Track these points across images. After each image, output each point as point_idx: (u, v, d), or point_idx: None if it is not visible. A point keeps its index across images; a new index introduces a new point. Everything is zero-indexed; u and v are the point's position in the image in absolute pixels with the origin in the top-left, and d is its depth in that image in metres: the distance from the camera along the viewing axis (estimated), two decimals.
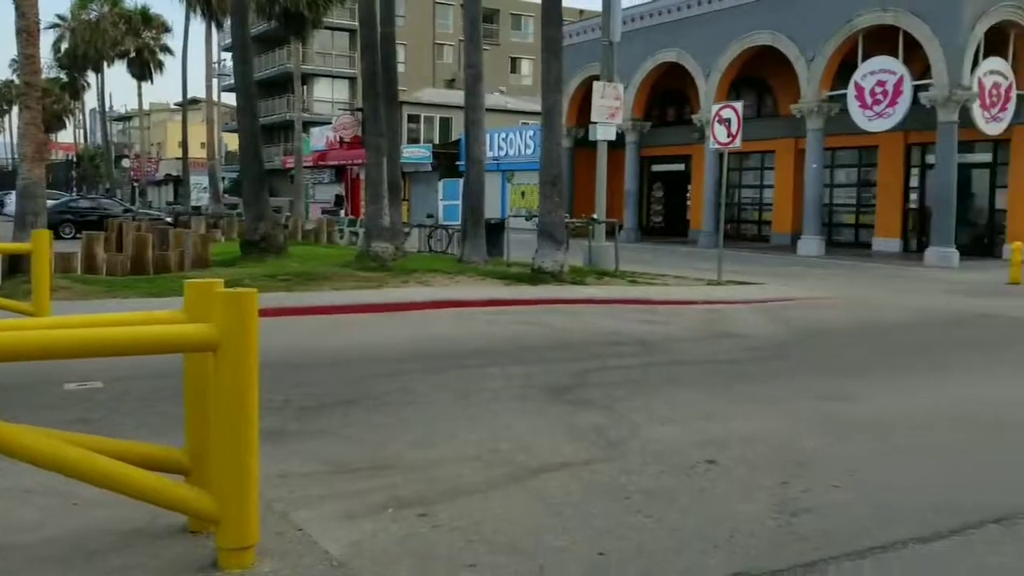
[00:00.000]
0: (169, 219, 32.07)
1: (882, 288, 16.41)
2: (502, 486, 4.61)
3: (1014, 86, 22.56)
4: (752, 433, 5.77)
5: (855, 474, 4.95)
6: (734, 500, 4.49)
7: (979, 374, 8.09)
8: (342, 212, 42.27)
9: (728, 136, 15.80)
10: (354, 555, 3.70)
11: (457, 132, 44.30)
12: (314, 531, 3.94)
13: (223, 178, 53.02)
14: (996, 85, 22.20)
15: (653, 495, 4.54)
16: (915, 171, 26.13)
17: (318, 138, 50.80)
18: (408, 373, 7.49)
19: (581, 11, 58.02)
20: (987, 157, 24.61)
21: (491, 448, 5.28)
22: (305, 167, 46.15)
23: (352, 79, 58.56)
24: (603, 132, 17.85)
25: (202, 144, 50.21)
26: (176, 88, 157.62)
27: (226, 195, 49.83)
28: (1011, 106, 22.54)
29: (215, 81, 48.60)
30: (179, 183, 58.57)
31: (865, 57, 23.60)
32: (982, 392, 7.27)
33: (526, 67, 65.30)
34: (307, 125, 52.63)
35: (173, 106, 78.53)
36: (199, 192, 56.31)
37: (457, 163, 38.08)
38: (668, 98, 33.12)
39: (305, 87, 56.86)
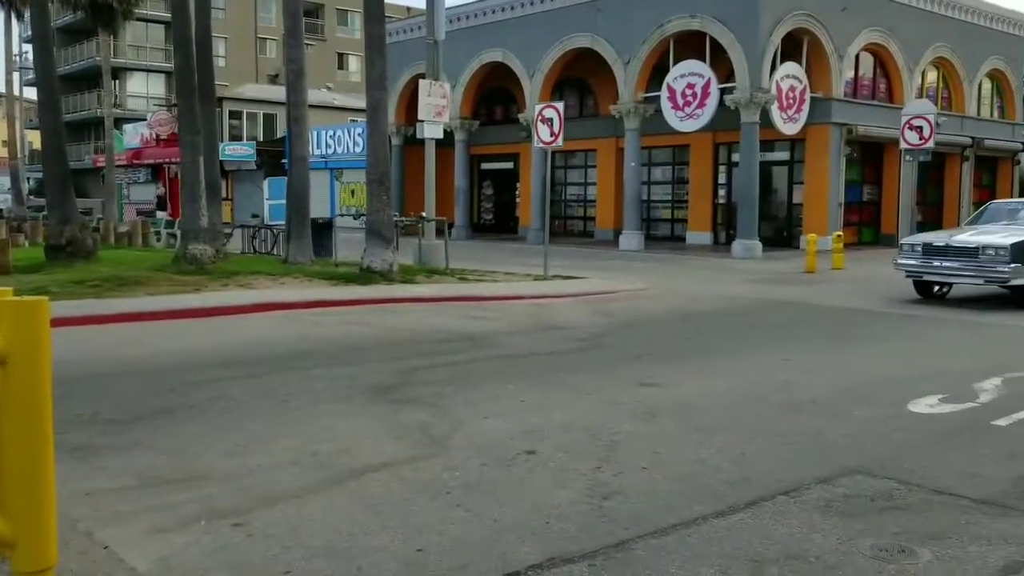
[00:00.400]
0: None
1: (694, 279, 17.38)
2: (321, 490, 4.58)
3: (808, 89, 24.44)
4: (570, 421, 6.00)
5: (661, 455, 5.25)
6: (551, 487, 4.66)
7: (775, 356, 8.73)
8: (163, 213, 40.24)
9: (551, 135, 16.24)
10: (162, 570, 3.58)
11: (282, 129, 43.07)
12: (121, 548, 3.78)
13: (28, 179, 49.24)
14: (792, 88, 23.97)
15: (473, 488, 4.64)
16: (723, 169, 27.84)
17: (132, 135, 48.06)
18: (226, 380, 7.26)
19: (408, 8, 57.82)
20: (785, 155, 26.56)
21: (311, 452, 5.23)
22: (119, 166, 43.58)
23: (169, 73, 55.71)
24: (430, 130, 17.90)
25: (3, 142, 46.41)
26: None
27: (31, 197, 46.28)
28: (806, 107, 24.40)
29: (16, 75, 44.94)
30: None
31: (676, 61, 24.87)
32: (777, 373, 7.87)
33: (354, 63, 64.40)
34: (121, 122, 49.71)
35: None
36: (1, 194, 52.00)
37: (283, 161, 37.08)
38: (496, 97, 33.62)
39: (117, 82, 53.66)
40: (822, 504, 4.46)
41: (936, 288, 14.02)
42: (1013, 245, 12.32)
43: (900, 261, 13.64)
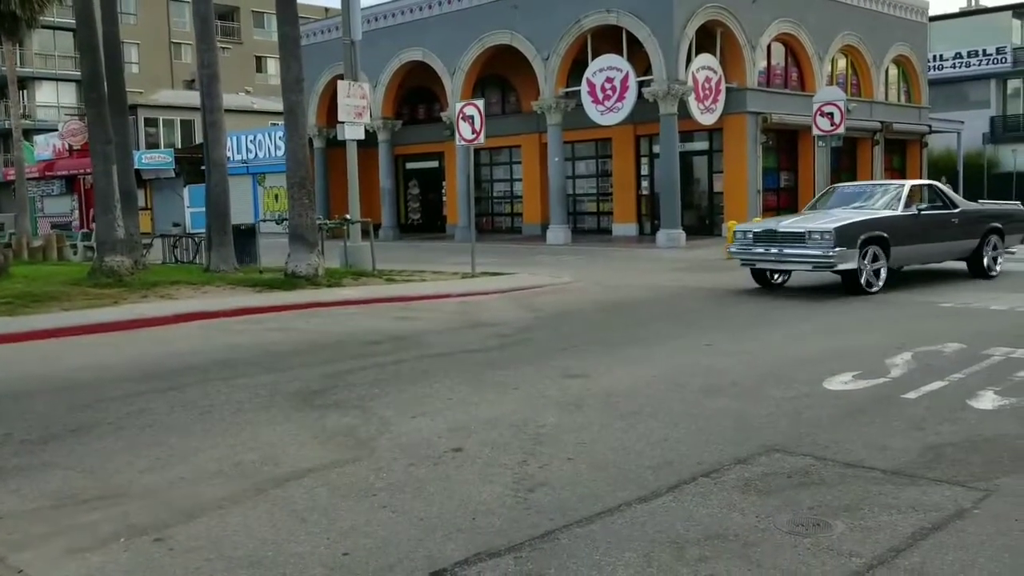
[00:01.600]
0: None
1: (620, 270, 17.61)
2: (244, 500, 4.52)
3: (723, 80, 24.95)
4: (497, 417, 6.03)
5: (586, 445, 5.32)
6: (478, 483, 4.69)
7: (697, 342, 8.91)
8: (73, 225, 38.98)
9: (473, 133, 16.25)
10: None
11: (201, 135, 42.27)
12: (36, 572, 3.69)
13: None
14: (708, 79, 24.44)
15: (400, 489, 4.64)
16: (645, 160, 28.23)
17: (44, 146, 46.42)
18: (145, 394, 7.09)
19: (327, 9, 57.13)
20: (704, 145, 27.07)
21: (234, 462, 5.15)
22: (31, 178, 42.05)
23: (80, 82, 54.03)
24: (351, 132, 17.73)
25: None
26: None
27: None
28: (721, 98, 24.91)
29: None
30: None
31: (595, 55, 25.13)
32: (699, 358, 8.03)
33: (272, 66, 63.29)
34: (31, 133, 48.01)
35: None
36: None
37: (203, 167, 36.32)
38: (418, 96, 33.47)
39: (25, 91, 51.76)
40: (741, 483, 4.59)
41: (776, 276, 13.51)
42: (837, 229, 11.81)
43: (733, 250, 13.01)
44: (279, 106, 17.87)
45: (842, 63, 30.43)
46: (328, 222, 19.24)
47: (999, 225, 14.22)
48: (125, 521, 4.25)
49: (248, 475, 4.92)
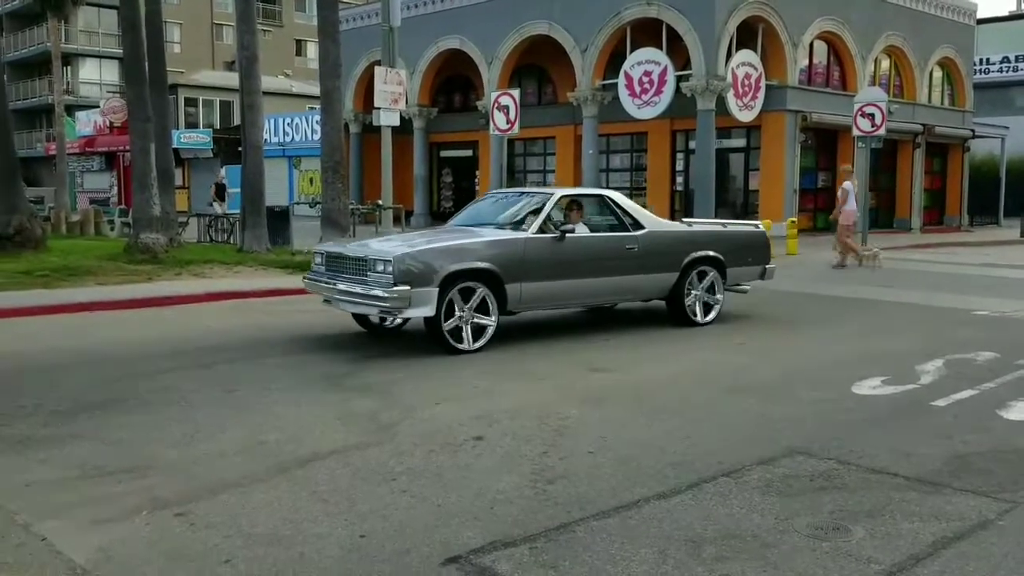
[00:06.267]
0: None
1: None
2: (267, 478, 4.57)
3: (763, 77, 24.67)
4: (520, 407, 6.04)
5: (608, 439, 5.31)
6: (497, 472, 4.69)
7: (728, 341, 8.83)
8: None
9: (507, 123, 16.25)
10: (101, 561, 3.56)
11: (239, 116, 42.61)
12: (59, 540, 3.75)
13: None
14: (747, 75, 24.18)
15: (420, 474, 4.66)
16: (680, 156, 28.01)
17: (85, 123, 47.09)
18: (174, 370, 7.19)
19: None
20: (741, 142, 26.80)
21: (258, 441, 5.21)
22: (72, 154, 42.71)
23: (122, 60, 54.77)
24: (386, 118, 17.74)
25: None
26: None
27: None
28: (761, 95, 24.64)
29: None
30: None
31: (633, 48, 24.96)
32: (729, 357, 7.98)
33: (312, 50, 63.55)
34: (73, 109, 48.70)
35: None
36: None
37: (240, 148, 36.65)
38: (455, 85, 33.46)
39: (69, 68, 52.53)
40: (762, 484, 4.55)
41: (387, 320, 9.14)
42: (399, 259, 7.80)
43: (307, 277, 9.09)
44: (317, 90, 17.96)
45: (885, 63, 29.97)
46: (360, 207, 19.37)
47: (715, 255, 9.90)
48: (149, 494, 4.31)
49: (271, 454, 4.97)
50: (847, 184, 17.20)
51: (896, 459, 4.98)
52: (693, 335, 9.26)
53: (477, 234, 8.77)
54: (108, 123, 44.98)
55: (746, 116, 24.43)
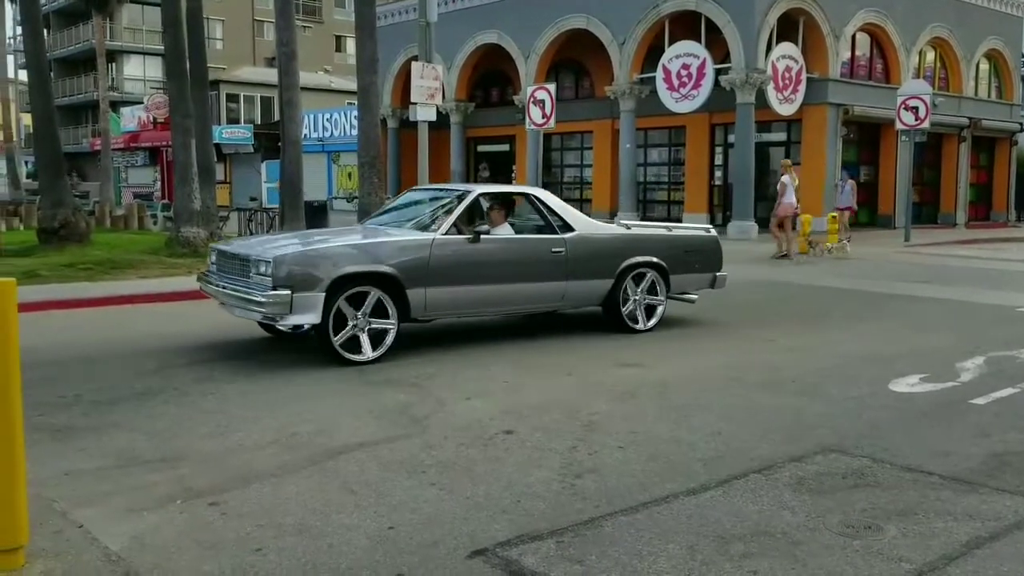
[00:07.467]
0: None
1: None
2: (298, 470, 4.62)
3: (804, 69, 24.33)
4: (549, 401, 6.04)
5: (637, 434, 5.29)
6: (526, 466, 4.70)
7: (758, 336, 8.74)
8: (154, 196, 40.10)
9: (543, 117, 16.24)
10: (135, 548, 3.63)
11: (279, 112, 42.99)
12: (95, 528, 3.82)
13: (26, 162, 49.11)
14: (788, 68, 23.87)
15: (449, 467, 4.68)
16: (719, 150, 27.75)
17: (129, 119, 47.88)
18: (210, 362, 7.30)
19: None
20: (782, 136, 26.48)
21: (291, 432, 5.27)
22: (116, 149, 43.47)
23: (165, 56, 55.58)
24: (423, 113, 17.78)
25: (0, 126, 46.29)
26: None
27: (29, 180, 46.18)
28: (802, 88, 24.31)
29: (11, 58, 44.76)
30: None
31: (671, 41, 24.77)
32: (759, 353, 7.90)
33: (351, 46, 63.84)
34: (118, 105, 49.55)
35: None
36: None
37: (280, 144, 37.03)
38: (491, 79, 33.49)
39: (114, 64, 53.47)
40: (794, 482, 4.51)
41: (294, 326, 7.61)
42: (279, 260, 7.10)
43: (200, 278, 8.44)
44: (356, 86, 18.08)
45: (930, 56, 29.42)
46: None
47: (656, 260, 9.09)
48: (183, 484, 4.39)
49: (303, 446, 5.03)
50: (785, 178, 17.55)
51: (932, 457, 4.90)
52: (721, 330, 9.18)
53: (380, 234, 8.04)
54: (152, 119, 45.69)
55: (787, 110, 24.13)
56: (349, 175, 37.75)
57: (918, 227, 24.90)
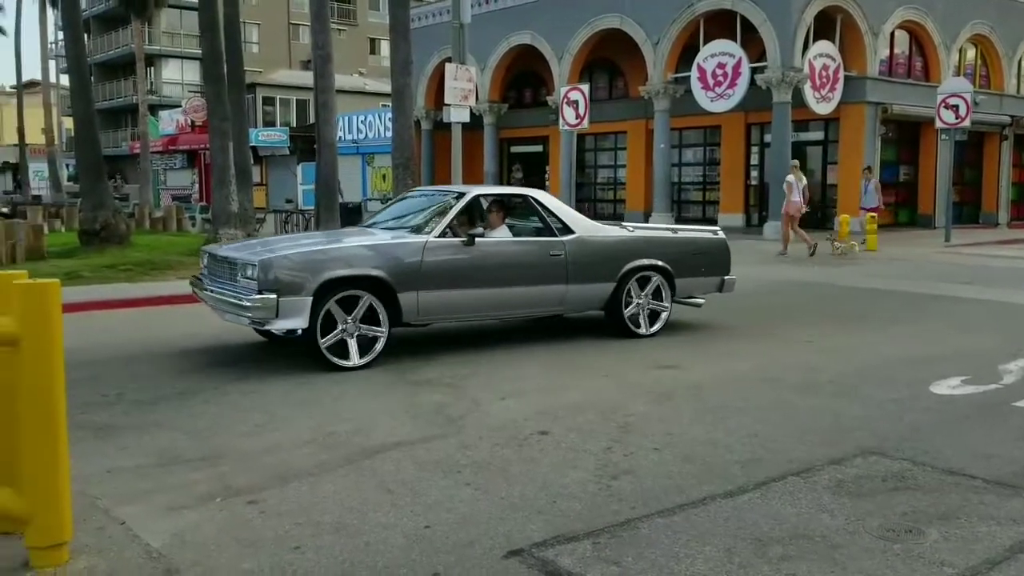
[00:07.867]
0: (5, 209, 30.00)
1: None
2: (335, 468, 4.66)
3: (841, 68, 24.03)
4: (585, 402, 6.03)
5: (674, 436, 5.27)
6: (561, 467, 4.70)
7: (796, 337, 8.65)
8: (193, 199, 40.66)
9: (577, 118, 16.22)
10: (176, 546, 3.68)
11: (314, 114, 43.31)
12: (137, 525, 3.89)
13: (67, 165, 50.04)
14: (825, 67, 23.59)
15: (484, 468, 4.70)
16: (755, 149, 27.50)
17: (168, 122, 48.59)
18: (249, 361, 7.39)
19: None
20: (819, 135, 26.17)
21: (328, 432, 5.32)
22: (155, 152, 44.15)
23: (202, 60, 56.29)
24: (456, 114, 17.86)
25: (42, 129, 47.18)
26: (10, 70, 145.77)
27: (70, 183, 47.05)
28: (839, 86, 24.01)
29: (52, 63, 45.67)
30: (18, 171, 54.89)
31: (706, 40, 24.58)
32: (797, 354, 7.81)
33: (386, 48, 64.28)
34: (156, 108, 50.31)
35: (9, 89, 73.29)
36: (40, 180, 52.91)
37: (315, 146, 37.33)
38: (525, 80, 33.49)
39: (152, 69, 54.31)
40: (833, 484, 4.45)
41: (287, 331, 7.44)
42: (264, 263, 6.94)
43: (192, 281, 8.27)
44: (390, 88, 18.19)
45: (971, 53, 28.90)
46: None
47: (660, 263, 8.82)
48: (222, 482, 4.44)
49: (340, 445, 5.07)
50: (790, 177, 18.20)
51: (974, 460, 4.82)
52: (758, 332, 9.10)
53: (371, 237, 7.89)
54: (190, 122, 46.33)
55: (824, 108, 23.84)
56: (383, 177, 37.95)
57: (959, 227, 24.48)
